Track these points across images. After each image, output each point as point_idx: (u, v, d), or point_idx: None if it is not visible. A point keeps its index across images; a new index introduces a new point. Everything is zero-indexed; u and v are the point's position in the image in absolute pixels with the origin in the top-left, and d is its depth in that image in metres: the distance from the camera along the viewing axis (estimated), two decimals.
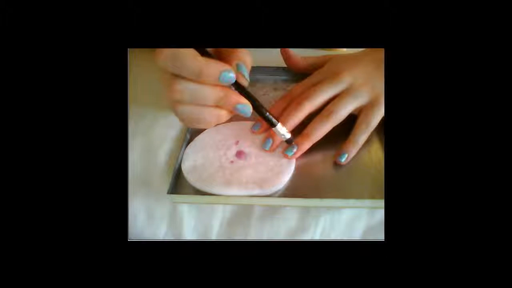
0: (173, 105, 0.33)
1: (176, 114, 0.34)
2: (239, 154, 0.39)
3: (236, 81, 0.33)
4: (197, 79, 0.31)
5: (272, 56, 0.52)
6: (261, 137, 0.41)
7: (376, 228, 0.36)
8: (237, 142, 0.41)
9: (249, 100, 0.34)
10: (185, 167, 0.38)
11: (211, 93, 0.32)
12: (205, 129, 0.43)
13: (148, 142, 0.42)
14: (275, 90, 0.51)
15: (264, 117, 0.37)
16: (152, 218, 0.37)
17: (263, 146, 0.40)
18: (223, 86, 0.32)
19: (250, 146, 0.40)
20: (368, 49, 0.46)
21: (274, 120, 0.37)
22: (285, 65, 0.52)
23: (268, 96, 0.50)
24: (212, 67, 0.30)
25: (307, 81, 0.44)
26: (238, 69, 0.33)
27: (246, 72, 0.34)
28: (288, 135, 0.38)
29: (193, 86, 0.31)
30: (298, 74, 0.51)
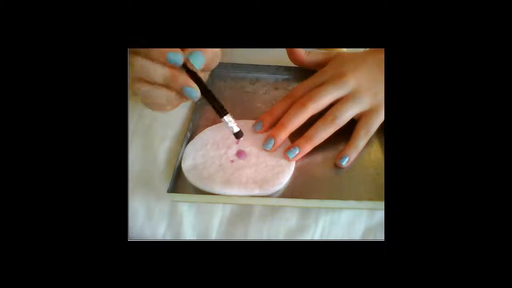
0: (131, 83, 0.34)
1: (133, 92, 0.35)
2: (240, 153, 0.39)
3: (186, 66, 0.34)
4: (147, 55, 0.33)
5: (273, 55, 0.51)
6: (262, 136, 0.41)
7: (376, 228, 0.36)
8: (237, 142, 0.41)
9: (198, 85, 0.34)
10: (185, 166, 0.38)
11: (159, 71, 0.33)
12: (203, 128, 0.43)
13: (148, 141, 0.42)
14: (276, 89, 0.51)
15: (212, 105, 0.36)
16: (152, 217, 0.37)
17: (264, 146, 0.40)
18: (172, 66, 0.33)
19: (250, 146, 0.40)
20: (373, 49, 0.45)
21: (223, 110, 0.37)
22: (286, 65, 0.52)
23: (269, 95, 0.50)
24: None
25: (309, 82, 0.44)
26: (189, 55, 0.34)
27: (199, 59, 0.34)
28: (237, 129, 0.37)
29: (144, 62, 0.33)
30: (299, 74, 0.51)
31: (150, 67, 0.33)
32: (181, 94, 0.34)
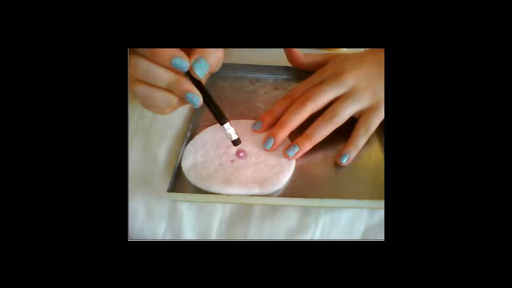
0: (131, 83, 0.33)
1: (133, 93, 0.34)
2: (240, 153, 0.39)
3: (189, 72, 0.33)
4: (150, 57, 0.31)
5: (273, 55, 0.51)
6: (261, 136, 0.41)
7: (376, 228, 0.36)
8: None
9: (202, 93, 0.34)
10: (185, 165, 0.38)
11: (163, 75, 0.32)
12: (203, 128, 0.43)
13: (148, 141, 0.42)
14: (276, 89, 0.51)
15: (213, 112, 0.36)
16: (152, 216, 0.37)
17: (264, 145, 0.40)
18: (177, 71, 0.32)
19: (250, 145, 0.40)
20: (372, 49, 0.45)
21: (223, 118, 0.37)
22: (286, 65, 0.52)
23: (268, 95, 0.50)
24: (166, 50, 0.31)
25: (309, 81, 0.44)
26: (195, 63, 0.33)
27: (204, 67, 0.33)
28: (235, 136, 0.37)
29: (146, 64, 0.32)
30: (299, 74, 0.51)
31: (154, 70, 0.32)
32: (183, 100, 0.34)
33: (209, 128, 0.43)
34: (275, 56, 0.52)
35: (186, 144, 0.41)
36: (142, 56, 0.32)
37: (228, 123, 0.37)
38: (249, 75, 0.53)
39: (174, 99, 0.34)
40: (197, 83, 0.34)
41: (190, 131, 0.43)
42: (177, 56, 0.31)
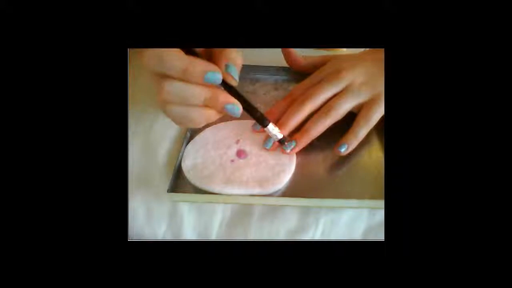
0: (163, 105, 0.32)
1: (166, 114, 0.33)
2: (240, 153, 0.39)
3: (224, 81, 0.32)
4: (183, 77, 0.30)
5: (273, 56, 0.51)
6: (262, 136, 0.41)
7: (376, 228, 0.36)
8: (237, 141, 0.41)
9: (239, 100, 0.33)
10: (186, 165, 0.38)
11: (198, 93, 0.31)
12: (203, 128, 0.43)
13: (148, 141, 0.42)
14: (276, 89, 0.51)
15: (254, 117, 0.36)
16: (152, 217, 0.37)
17: (264, 145, 0.40)
18: (211, 85, 0.31)
19: (251, 145, 0.40)
20: (369, 49, 0.46)
21: (265, 120, 0.37)
22: (286, 65, 0.52)
23: (268, 95, 0.50)
24: (197, 66, 0.30)
25: (308, 81, 0.44)
26: (226, 70, 0.32)
27: (235, 73, 0.33)
28: (280, 135, 0.38)
29: (180, 86, 0.31)
30: (299, 74, 0.51)
31: (188, 90, 0.31)
32: (222, 112, 0.33)
33: (209, 128, 0.43)
34: (275, 57, 0.52)
35: (186, 144, 0.41)
36: (174, 78, 0.30)
37: (271, 123, 0.37)
38: (249, 75, 0.53)
39: (212, 113, 0.33)
40: (233, 91, 0.34)
41: (190, 131, 0.43)
42: (209, 71, 0.30)
